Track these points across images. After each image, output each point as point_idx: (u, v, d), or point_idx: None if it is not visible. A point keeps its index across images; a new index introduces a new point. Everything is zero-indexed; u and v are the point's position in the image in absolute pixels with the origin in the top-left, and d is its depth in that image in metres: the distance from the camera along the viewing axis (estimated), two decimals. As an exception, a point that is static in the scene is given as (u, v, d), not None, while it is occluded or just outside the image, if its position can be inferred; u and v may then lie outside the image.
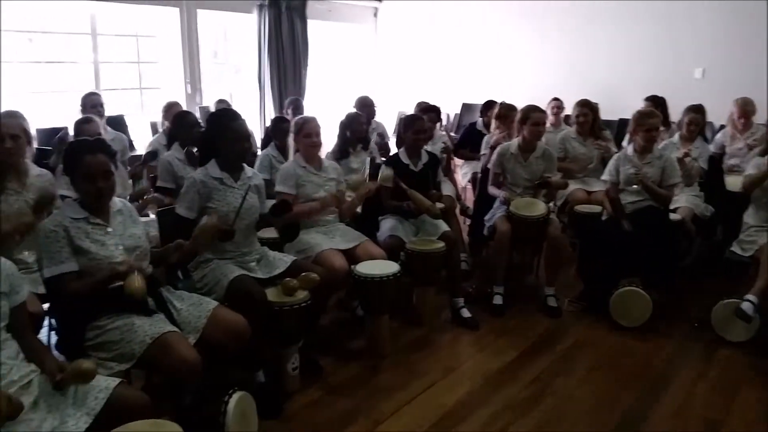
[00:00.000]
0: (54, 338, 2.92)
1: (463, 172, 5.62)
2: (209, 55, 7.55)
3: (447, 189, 4.49)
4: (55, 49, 6.29)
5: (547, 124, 4.81)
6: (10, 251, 2.64)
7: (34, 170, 2.96)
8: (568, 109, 5.40)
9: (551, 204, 4.02)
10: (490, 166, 4.08)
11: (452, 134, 6.43)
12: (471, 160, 5.38)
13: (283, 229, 3.11)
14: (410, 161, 3.81)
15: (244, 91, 7.69)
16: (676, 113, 4.80)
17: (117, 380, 1.96)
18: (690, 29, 6.66)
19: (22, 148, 2.84)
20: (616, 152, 4.33)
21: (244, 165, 3.00)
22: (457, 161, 5.72)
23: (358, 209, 3.90)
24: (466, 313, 3.72)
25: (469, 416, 2.77)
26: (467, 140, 5.47)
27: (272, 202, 3.52)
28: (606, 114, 5.08)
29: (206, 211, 2.79)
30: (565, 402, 2.91)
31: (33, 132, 3.85)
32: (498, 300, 3.90)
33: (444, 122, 6.79)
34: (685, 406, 2.87)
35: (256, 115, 7.58)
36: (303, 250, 3.27)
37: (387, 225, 3.70)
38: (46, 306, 2.67)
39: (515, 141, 4.03)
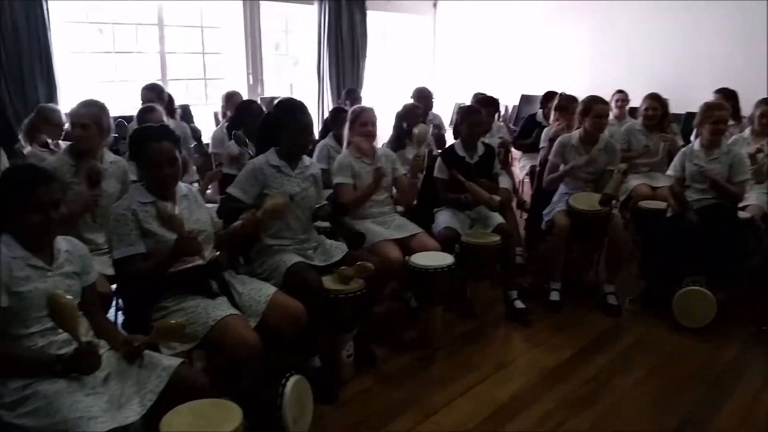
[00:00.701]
0: (121, 318, 3.06)
1: (521, 165, 5.54)
2: (270, 47, 7.68)
3: (504, 182, 4.44)
4: (124, 39, 6.53)
5: (610, 117, 4.68)
6: (79, 232, 2.78)
7: (109, 157, 3.09)
8: (633, 102, 5.25)
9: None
10: (549, 157, 4.00)
11: (511, 126, 6.34)
12: (529, 152, 5.29)
13: (349, 238, 3.13)
14: (466, 153, 3.78)
15: (304, 83, 7.79)
16: (748, 107, 4.58)
17: (179, 360, 2.05)
18: (764, 17, 6.31)
19: (92, 137, 2.93)
20: (683, 146, 4.18)
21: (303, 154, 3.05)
22: (515, 154, 5.64)
23: (414, 201, 3.92)
24: (520, 307, 3.67)
25: (522, 412, 2.74)
26: (526, 132, 5.39)
27: (329, 191, 3.60)
28: (673, 107, 4.90)
29: (262, 198, 2.85)
30: (622, 402, 2.85)
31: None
32: (555, 296, 3.84)
33: (502, 114, 6.69)
34: (751, 413, 2.76)
35: (314, 105, 7.68)
36: (359, 239, 3.30)
37: (442, 217, 3.69)
38: (114, 287, 2.79)
39: (576, 133, 3.94)
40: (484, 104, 4.71)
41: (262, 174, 2.86)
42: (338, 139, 4.34)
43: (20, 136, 3.96)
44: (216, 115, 6.23)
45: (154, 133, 2.39)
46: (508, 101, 8.03)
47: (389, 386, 2.94)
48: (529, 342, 3.45)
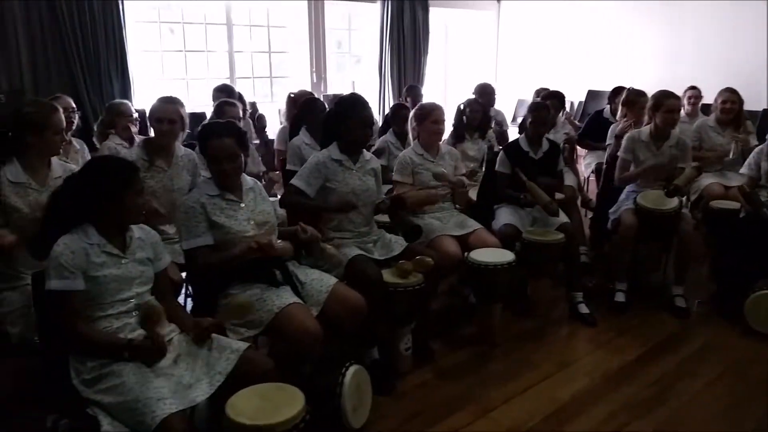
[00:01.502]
0: (190, 304, 3.18)
1: (586, 162, 5.41)
2: (333, 45, 7.78)
3: (569, 179, 4.35)
4: (194, 39, 6.77)
5: (682, 114, 4.50)
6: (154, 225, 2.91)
7: (180, 150, 3.22)
8: (705, 99, 5.03)
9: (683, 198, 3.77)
10: (619, 153, 3.89)
11: (576, 122, 6.19)
12: (595, 149, 5.16)
13: (406, 231, 3.15)
14: (530, 149, 3.73)
15: (365, 80, 7.86)
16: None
17: (247, 344, 2.11)
18: None
19: (176, 132, 3.07)
20: (757, 145, 3.98)
21: (363, 149, 3.09)
22: (581, 151, 5.51)
23: (473, 196, 3.89)
24: (583, 308, 3.59)
25: (584, 412, 2.68)
26: (592, 129, 5.24)
27: (388, 187, 3.62)
28: (749, 104, 4.66)
29: (326, 191, 2.91)
30: (689, 407, 2.74)
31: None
32: (620, 297, 3.73)
33: (567, 110, 6.55)
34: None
35: (375, 102, 7.74)
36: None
37: (503, 213, 3.65)
38: (184, 274, 2.90)
39: (646, 128, 3.81)
40: (548, 97, 4.64)
41: (324, 168, 2.91)
42: (398, 136, 4.37)
43: (97, 130, 4.17)
44: (281, 112, 6.37)
45: (217, 130, 2.47)
46: (574, 97, 7.85)
47: (447, 381, 2.93)
48: (592, 343, 3.37)
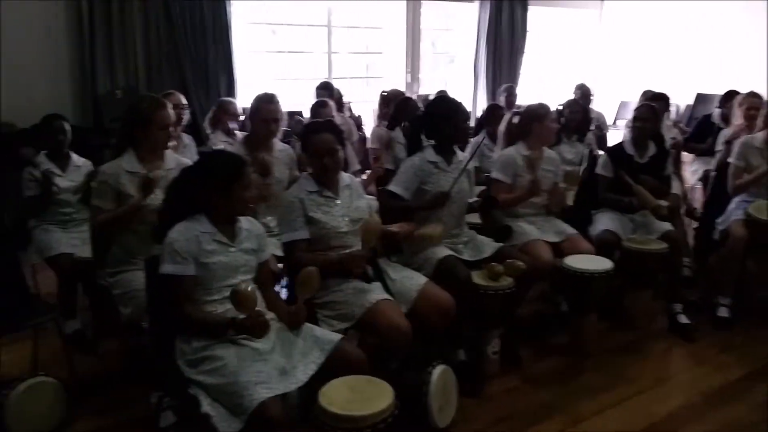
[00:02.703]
0: (285, 294, 3.28)
1: (692, 169, 5.11)
2: (428, 45, 7.80)
3: (674, 186, 4.12)
4: (295, 40, 6.99)
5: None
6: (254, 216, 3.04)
7: (278, 146, 3.35)
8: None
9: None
10: (730, 159, 3.65)
11: (683, 127, 5.87)
12: (703, 155, 4.87)
13: (496, 231, 3.11)
14: (635, 152, 3.57)
15: (459, 80, 7.83)
16: None
17: (341, 335, 2.17)
18: None
19: (278, 129, 3.22)
20: None
21: (457, 149, 3.08)
22: (686, 157, 5.22)
23: (570, 201, 3.77)
24: (683, 319, 3.41)
25: (680, 431, 2.55)
26: (700, 134, 4.96)
27: (480, 188, 3.58)
28: None
29: (421, 193, 2.92)
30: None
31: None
32: (724, 312, 3.50)
33: (673, 113, 6.22)
34: None
35: (468, 103, 7.69)
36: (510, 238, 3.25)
37: (602, 219, 3.52)
38: (281, 266, 3.00)
39: (761, 134, 3.56)
40: (653, 99, 4.43)
41: (420, 170, 2.93)
42: (492, 137, 4.31)
43: (206, 126, 4.40)
44: (374, 111, 6.46)
45: (319, 127, 2.57)
46: (681, 101, 7.44)
47: (535, 388, 2.88)
48: (692, 359, 3.19)
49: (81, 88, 5.42)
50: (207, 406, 1.90)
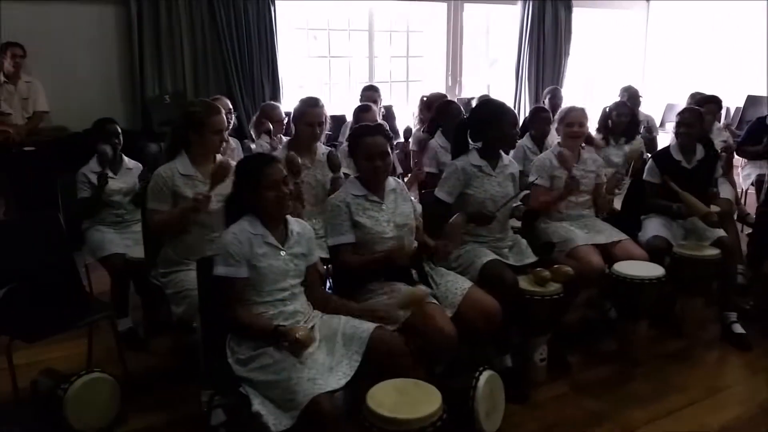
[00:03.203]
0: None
1: (745, 173, 4.96)
2: (469, 48, 7.75)
3: (725, 191, 4.01)
4: (337, 44, 7.04)
5: None
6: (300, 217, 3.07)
7: (321, 149, 3.38)
8: None
9: None
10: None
11: (734, 129, 5.69)
12: (756, 159, 4.71)
13: (538, 247, 3.06)
14: (683, 157, 3.48)
15: (500, 82, 7.75)
16: None
17: (375, 324, 2.18)
18: None
19: (322, 132, 3.27)
20: None
21: (502, 153, 3.05)
22: (738, 161, 5.06)
23: (617, 206, 3.70)
24: (738, 329, 3.30)
25: (736, 444, 2.48)
26: (752, 137, 4.79)
27: (524, 192, 3.54)
28: None
29: (464, 197, 2.90)
30: None
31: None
32: (780, 321, 3.38)
33: (723, 116, 6.04)
34: None
35: (510, 105, 7.60)
36: (557, 243, 3.21)
37: (652, 224, 3.44)
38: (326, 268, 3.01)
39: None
40: (704, 103, 4.31)
41: (464, 174, 2.92)
42: (535, 140, 4.26)
43: (250, 130, 4.47)
44: (414, 115, 6.45)
45: (371, 130, 2.58)
46: (731, 103, 7.21)
47: (584, 396, 2.82)
48: (746, 369, 3.10)
49: (130, 92, 5.57)
50: (258, 404, 1.93)
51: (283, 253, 2.17)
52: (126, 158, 3.54)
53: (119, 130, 3.50)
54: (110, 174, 3.40)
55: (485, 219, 2.83)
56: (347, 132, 4.11)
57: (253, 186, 2.14)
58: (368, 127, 2.62)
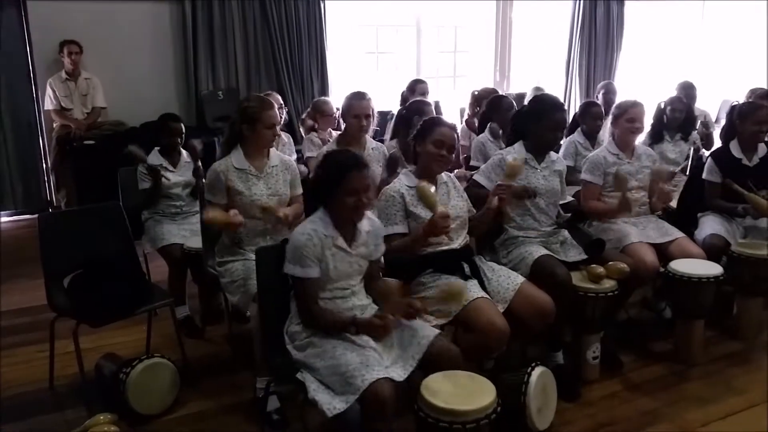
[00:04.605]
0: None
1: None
2: (518, 42, 7.67)
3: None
4: (386, 40, 7.07)
5: None
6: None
7: (371, 143, 3.42)
8: None
9: None
10: None
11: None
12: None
13: (587, 245, 2.98)
14: (743, 155, 3.38)
15: (550, 77, 7.64)
16: None
17: (437, 331, 2.19)
18: None
19: (369, 125, 3.32)
20: None
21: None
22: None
23: (673, 203, 3.61)
24: (802, 336, 3.19)
25: (800, 450, 2.39)
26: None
27: (575, 188, 3.49)
28: None
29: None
30: None
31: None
32: None
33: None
34: None
35: (560, 100, 7.49)
36: (611, 240, 3.15)
37: (709, 223, 3.34)
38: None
39: None
40: (763, 98, 4.16)
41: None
42: (587, 135, 4.19)
43: (302, 126, 4.54)
44: (462, 111, 6.42)
45: (445, 122, 2.62)
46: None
47: (637, 395, 2.77)
48: (810, 374, 2.98)
49: (185, 88, 5.74)
50: (313, 391, 1.97)
51: (350, 254, 2.20)
52: (184, 152, 3.64)
53: (183, 128, 3.61)
54: (170, 168, 3.51)
55: (527, 191, 2.82)
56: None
57: (333, 185, 2.12)
58: (445, 120, 2.66)
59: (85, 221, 2.90)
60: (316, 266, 2.12)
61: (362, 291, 2.29)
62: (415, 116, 3.24)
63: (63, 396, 2.76)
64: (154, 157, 3.52)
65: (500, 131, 3.92)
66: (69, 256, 2.71)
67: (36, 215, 3.10)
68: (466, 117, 5.21)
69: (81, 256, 2.71)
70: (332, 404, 1.90)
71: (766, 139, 3.43)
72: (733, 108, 3.61)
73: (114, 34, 5.41)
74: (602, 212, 3.20)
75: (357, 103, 3.29)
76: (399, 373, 2.02)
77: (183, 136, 3.60)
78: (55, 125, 5.27)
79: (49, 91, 5.18)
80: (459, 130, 5.06)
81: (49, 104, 5.22)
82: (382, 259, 2.46)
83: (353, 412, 1.92)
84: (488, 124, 4.10)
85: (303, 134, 4.44)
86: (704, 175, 3.42)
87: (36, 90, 5.26)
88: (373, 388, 1.85)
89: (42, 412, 2.64)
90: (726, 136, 3.55)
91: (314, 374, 2.02)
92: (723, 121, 6.36)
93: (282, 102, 4.38)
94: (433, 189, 2.46)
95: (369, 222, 2.30)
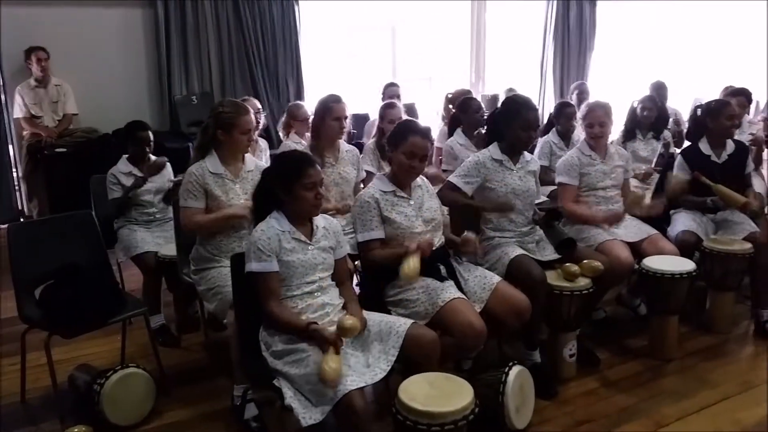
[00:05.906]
0: (358, 292, 3.33)
1: (776, 167, 4.85)
2: (492, 44, 7.72)
3: (757, 185, 3.92)
4: (358, 42, 7.06)
5: None
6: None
7: (345, 146, 3.42)
8: None
9: None
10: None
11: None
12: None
13: (558, 243, 2.98)
14: (712, 152, 3.44)
15: (524, 78, 7.70)
16: None
17: (411, 321, 2.22)
18: None
19: (345, 128, 3.30)
20: None
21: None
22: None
23: (647, 200, 3.66)
24: (773, 331, 3.24)
25: (773, 440, 2.44)
26: (785, 130, 4.70)
27: (550, 188, 3.52)
28: None
29: (487, 192, 2.90)
30: None
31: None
32: (815, 316, 3.31)
33: (753, 109, 5.93)
34: None
35: (535, 101, 7.55)
36: (584, 238, 3.18)
37: (681, 219, 3.40)
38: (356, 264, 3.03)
39: None
40: (733, 96, 4.25)
41: (484, 167, 2.90)
42: (562, 135, 4.23)
43: (279, 131, 4.51)
44: (438, 113, 6.44)
45: (420, 130, 2.56)
46: (761, 96, 7.06)
47: (614, 392, 2.80)
48: (781, 365, 3.04)
49: (158, 93, 5.67)
50: (290, 398, 1.97)
51: (311, 247, 2.21)
52: (153, 158, 3.59)
53: (151, 136, 3.55)
54: (140, 175, 3.45)
55: (506, 207, 2.84)
56: (372, 131, 4.12)
57: (292, 182, 2.16)
58: (418, 127, 2.60)
59: (55, 231, 2.85)
60: (273, 260, 2.13)
61: (334, 290, 2.29)
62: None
63: (36, 409, 2.71)
64: (123, 165, 3.48)
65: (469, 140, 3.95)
66: (40, 266, 2.66)
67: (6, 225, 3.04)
68: (441, 118, 5.22)
69: (52, 266, 2.66)
70: (308, 414, 1.91)
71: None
72: (696, 108, 3.66)
73: (85, 39, 5.33)
74: (585, 218, 3.20)
75: (336, 105, 3.28)
76: (382, 368, 2.04)
77: (151, 143, 3.55)
78: (25, 133, 5.16)
79: (18, 98, 5.07)
80: (437, 133, 5.09)
81: (18, 112, 5.11)
82: (359, 264, 2.45)
83: (329, 420, 1.91)
84: (459, 128, 4.11)
85: (282, 138, 4.42)
86: (674, 171, 3.47)
87: (6, 98, 5.16)
88: (347, 400, 1.85)
89: (15, 427, 2.59)
90: (693, 135, 3.60)
91: (291, 382, 2.02)
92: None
93: (260, 107, 4.34)
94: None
95: (323, 219, 2.33)
